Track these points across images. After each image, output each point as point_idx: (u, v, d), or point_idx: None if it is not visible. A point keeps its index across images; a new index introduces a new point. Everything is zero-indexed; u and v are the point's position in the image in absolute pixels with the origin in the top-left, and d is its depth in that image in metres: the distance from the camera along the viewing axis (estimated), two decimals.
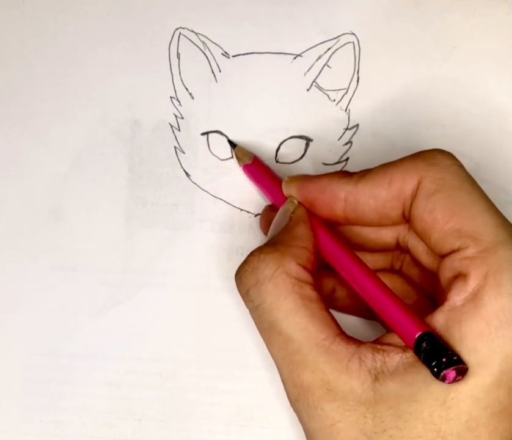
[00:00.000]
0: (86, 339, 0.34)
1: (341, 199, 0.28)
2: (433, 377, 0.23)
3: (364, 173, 0.28)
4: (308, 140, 0.34)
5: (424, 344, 0.24)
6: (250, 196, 0.34)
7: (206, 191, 0.34)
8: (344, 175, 0.28)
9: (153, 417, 0.33)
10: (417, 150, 0.27)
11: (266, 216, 0.33)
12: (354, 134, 0.34)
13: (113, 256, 0.34)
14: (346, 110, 0.34)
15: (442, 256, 0.26)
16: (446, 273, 0.26)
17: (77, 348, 0.34)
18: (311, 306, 0.26)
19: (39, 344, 0.34)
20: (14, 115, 0.34)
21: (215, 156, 0.34)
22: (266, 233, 0.33)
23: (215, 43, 0.35)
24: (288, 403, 0.27)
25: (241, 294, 0.28)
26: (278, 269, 0.26)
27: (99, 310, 0.34)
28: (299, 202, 0.30)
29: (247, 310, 0.28)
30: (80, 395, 0.33)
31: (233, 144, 0.34)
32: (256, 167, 0.33)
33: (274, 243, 0.28)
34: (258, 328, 0.28)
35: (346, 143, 0.34)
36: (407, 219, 0.27)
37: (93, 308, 0.34)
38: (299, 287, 0.26)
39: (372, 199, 0.27)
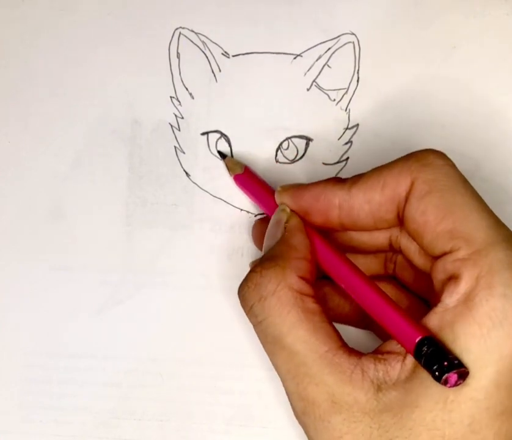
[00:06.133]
0: (86, 339, 0.34)
1: (335, 206, 0.28)
2: (432, 381, 0.23)
3: (357, 178, 0.28)
4: (308, 140, 0.34)
5: (425, 349, 0.24)
6: None
7: (206, 191, 0.34)
8: (338, 181, 0.28)
9: (153, 417, 0.33)
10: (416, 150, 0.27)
11: (258, 229, 0.33)
12: (354, 133, 0.34)
13: (113, 256, 0.34)
14: (346, 110, 0.34)
15: (435, 258, 0.26)
16: (439, 275, 0.26)
17: (77, 348, 0.34)
18: (314, 319, 0.26)
19: (39, 344, 0.34)
20: (14, 115, 0.35)
21: (215, 156, 0.34)
22: (258, 245, 0.33)
23: (215, 43, 0.35)
24: (288, 403, 0.27)
25: (244, 310, 0.28)
26: (281, 284, 0.26)
27: (99, 310, 0.34)
28: (291, 210, 0.29)
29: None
30: (80, 395, 0.33)
31: (222, 155, 0.34)
32: (247, 177, 0.33)
33: (273, 257, 0.28)
34: (262, 342, 0.27)
35: (346, 143, 0.34)
36: (401, 221, 0.27)
37: (93, 308, 0.34)
38: (301, 300, 0.26)
39: (366, 204, 0.27)
